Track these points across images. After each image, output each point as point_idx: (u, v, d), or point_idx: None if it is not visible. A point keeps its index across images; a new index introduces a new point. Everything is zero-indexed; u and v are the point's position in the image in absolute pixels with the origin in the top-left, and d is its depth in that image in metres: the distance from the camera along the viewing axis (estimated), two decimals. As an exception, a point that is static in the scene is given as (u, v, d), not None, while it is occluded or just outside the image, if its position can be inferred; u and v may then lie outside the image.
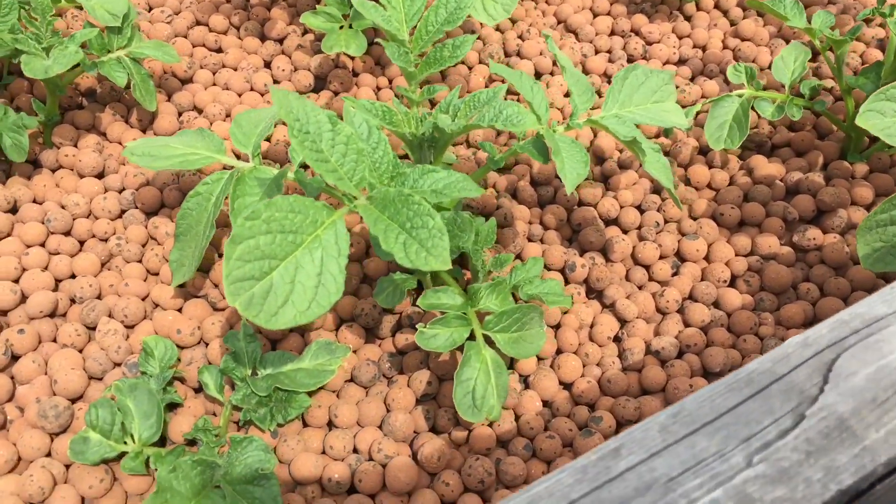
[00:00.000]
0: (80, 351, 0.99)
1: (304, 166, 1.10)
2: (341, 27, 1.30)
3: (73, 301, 1.04)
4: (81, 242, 1.11)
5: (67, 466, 0.88)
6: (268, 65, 1.39)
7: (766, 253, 1.15)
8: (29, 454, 0.88)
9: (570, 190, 0.92)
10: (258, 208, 0.73)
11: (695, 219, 1.19)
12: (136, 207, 1.14)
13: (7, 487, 0.85)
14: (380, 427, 0.95)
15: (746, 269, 1.14)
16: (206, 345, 1.01)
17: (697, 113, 1.27)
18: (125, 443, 0.86)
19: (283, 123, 1.25)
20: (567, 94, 1.38)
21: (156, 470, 0.85)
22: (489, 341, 0.92)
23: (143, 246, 1.11)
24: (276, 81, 1.35)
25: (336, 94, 1.34)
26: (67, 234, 1.12)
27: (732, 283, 1.13)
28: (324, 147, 0.79)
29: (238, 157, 1.18)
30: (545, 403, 0.99)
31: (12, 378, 0.96)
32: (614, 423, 0.96)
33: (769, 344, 1.04)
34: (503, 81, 1.38)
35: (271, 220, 0.73)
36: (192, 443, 0.91)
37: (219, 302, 1.04)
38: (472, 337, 0.89)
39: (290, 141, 1.20)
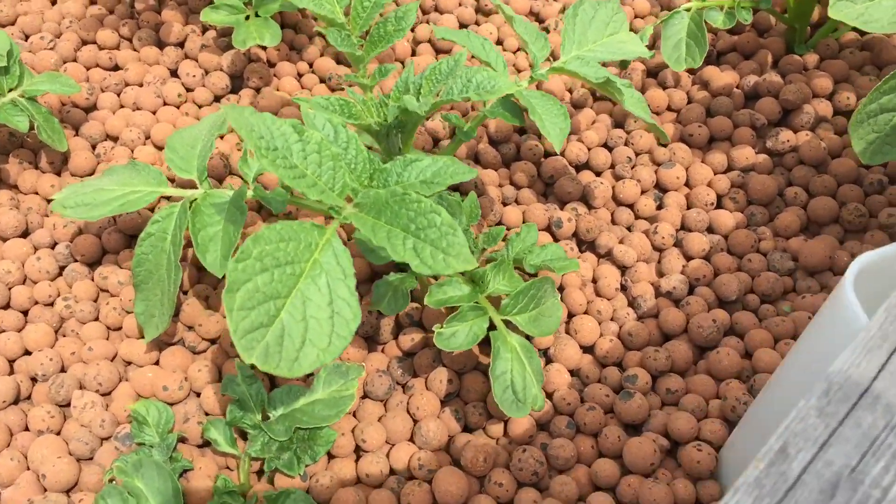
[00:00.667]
0: (59, 434, 0.88)
1: (263, 177, 1.00)
2: (247, 17, 1.19)
3: (34, 380, 0.93)
4: (25, 313, 0.99)
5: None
6: (174, 73, 1.27)
7: (744, 165, 1.11)
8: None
9: (559, 147, 0.85)
10: (246, 246, 0.64)
11: (665, 146, 1.14)
12: (76, 261, 1.02)
13: None
14: (411, 440, 0.88)
15: (730, 186, 1.10)
16: (198, 395, 0.91)
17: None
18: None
19: (221, 137, 1.14)
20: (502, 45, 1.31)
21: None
22: (509, 325, 0.86)
23: (95, 301, 0.99)
24: (188, 90, 1.23)
25: (258, 90, 1.23)
26: (6, 307, 0.99)
27: (719, 203, 1.10)
28: (296, 161, 0.70)
29: (182, 185, 1.07)
30: (572, 373, 0.94)
31: (-10, 484, 0.85)
32: (649, 377, 0.91)
33: (774, 258, 1.01)
34: (438, 53, 1.29)
35: (263, 255, 0.65)
36: None
37: (198, 345, 0.95)
38: (491, 326, 0.83)
39: (226, 153, 1.10)
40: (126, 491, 0.76)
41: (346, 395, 0.83)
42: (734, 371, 0.90)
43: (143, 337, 0.95)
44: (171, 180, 1.09)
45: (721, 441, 0.86)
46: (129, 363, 0.95)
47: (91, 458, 0.87)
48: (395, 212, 0.68)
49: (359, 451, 0.88)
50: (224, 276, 0.81)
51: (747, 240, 1.03)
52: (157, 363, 0.94)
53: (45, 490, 0.83)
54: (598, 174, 1.13)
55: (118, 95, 1.22)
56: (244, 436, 0.86)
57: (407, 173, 0.76)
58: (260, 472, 0.86)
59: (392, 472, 0.86)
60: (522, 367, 0.80)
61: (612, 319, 0.98)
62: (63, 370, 0.93)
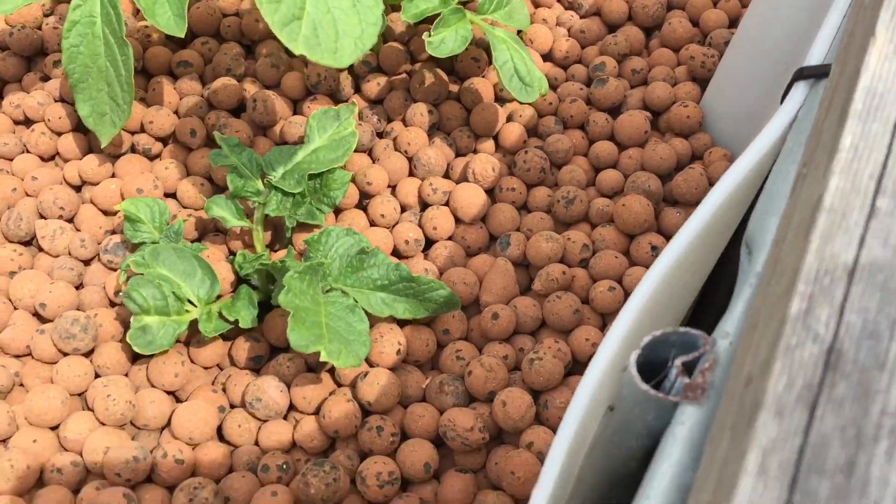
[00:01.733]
0: (32, 268, 0.79)
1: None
2: None
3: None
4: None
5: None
6: None
7: None
8: (79, 384, 0.71)
9: None
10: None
11: None
12: (-30, 103, 0.89)
13: (89, 422, 0.69)
14: (412, 174, 0.86)
15: None
16: (175, 194, 0.84)
17: None
18: (187, 311, 0.71)
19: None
20: None
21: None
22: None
23: (14, 133, 0.87)
24: None
25: None
26: None
27: None
28: None
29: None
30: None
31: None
32: (615, 62, 0.93)
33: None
34: None
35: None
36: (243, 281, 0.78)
37: (152, 147, 0.86)
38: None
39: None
40: (156, 278, 0.70)
41: (347, 135, 0.79)
42: (688, 37, 0.94)
43: (92, 150, 0.85)
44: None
45: (697, 99, 0.90)
46: (84, 183, 0.85)
47: (81, 285, 0.79)
48: None
49: (363, 198, 0.85)
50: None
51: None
52: (112, 177, 0.85)
53: (46, 321, 0.75)
54: None
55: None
56: (250, 207, 0.81)
57: None
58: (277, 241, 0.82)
59: (403, 208, 0.85)
60: (520, 54, 0.79)
61: (558, 24, 0.99)
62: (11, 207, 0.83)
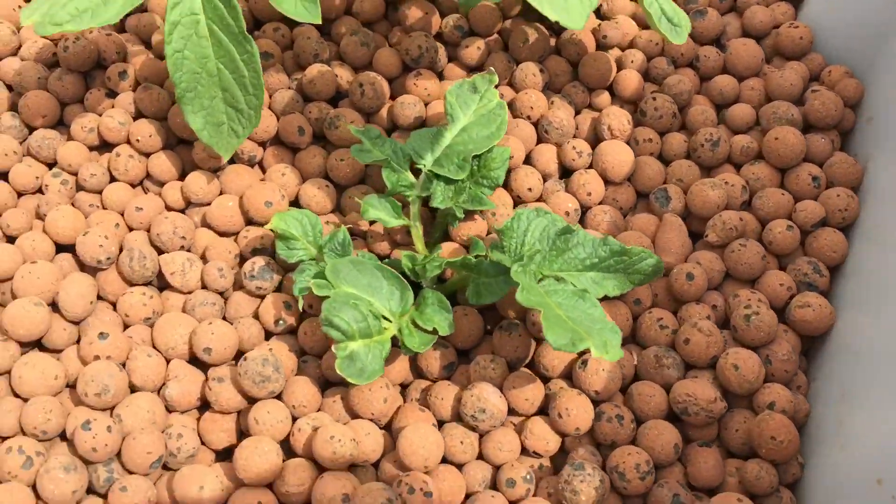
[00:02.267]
0: (163, 311, 0.69)
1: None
2: None
3: (99, 267, 0.71)
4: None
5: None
6: None
7: None
8: (283, 430, 0.63)
9: None
10: None
11: None
12: (31, 128, 0.77)
13: (309, 470, 0.61)
14: (542, 140, 0.80)
15: None
16: (296, 201, 0.75)
17: None
18: (385, 329, 0.64)
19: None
20: None
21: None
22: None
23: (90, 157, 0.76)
24: None
25: None
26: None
27: None
28: None
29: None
30: None
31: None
32: (710, -8, 0.90)
33: None
34: None
35: None
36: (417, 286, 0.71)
37: (256, 153, 0.77)
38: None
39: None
40: (349, 298, 0.62)
41: (494, 107, 0.72)
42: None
43: (185, 168, 0.75)
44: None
45: (794, 17, 0.88)
46: (188, 204, 0.75)
47: (225, 318, 0.70)
48: None
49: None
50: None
51: None
52: (221, 194, 0.75)
53: (209, 367, 0.67)
54: None
55: None
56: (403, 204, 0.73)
57: None
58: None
59: (544, 178, 0.79)
60: (665, -4, 0.74)
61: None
62: (117, 251, 0.72)
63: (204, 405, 0.66)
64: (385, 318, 0.64)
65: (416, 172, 0.71)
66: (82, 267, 0.71)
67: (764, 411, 0.65)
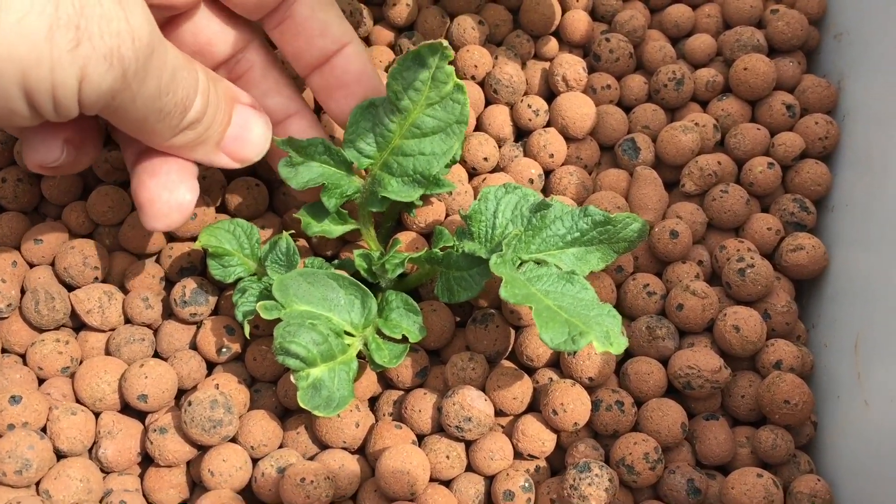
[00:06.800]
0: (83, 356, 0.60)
1: None
2: None
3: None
4: None
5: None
6: None
7: None
8: (242, 479, 0.55)
9: None
10: None
11: None
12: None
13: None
14: (491, 101, 0.71)
15: None
16: (222, 203, 0.66)
17: None
18: (348, 345, 0.55)
19: None
20: None
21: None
22: None
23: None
24: None
25: None
26: None
27: None
28: None
29: None
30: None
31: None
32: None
33: None
34: None
35: None
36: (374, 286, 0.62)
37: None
38: None
39: None
40: (304, 318, 0.53)
41: (449, 89, 0.61)
42: None
43: (103, 181, 0.65)
44: None
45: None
46: (92, 231, 0.65)
47: (158, 355, 0.61)
48: None
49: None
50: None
51: None
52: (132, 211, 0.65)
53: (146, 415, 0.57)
54: None
55: None
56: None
57: None
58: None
59: (499, 143, 0.71)
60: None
61: None
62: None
63: (146, 460, 0.57)
64: (347, 334, 0.56)
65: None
66: (-22, 319, 0.60)
67: (771, 372, 0.59)
